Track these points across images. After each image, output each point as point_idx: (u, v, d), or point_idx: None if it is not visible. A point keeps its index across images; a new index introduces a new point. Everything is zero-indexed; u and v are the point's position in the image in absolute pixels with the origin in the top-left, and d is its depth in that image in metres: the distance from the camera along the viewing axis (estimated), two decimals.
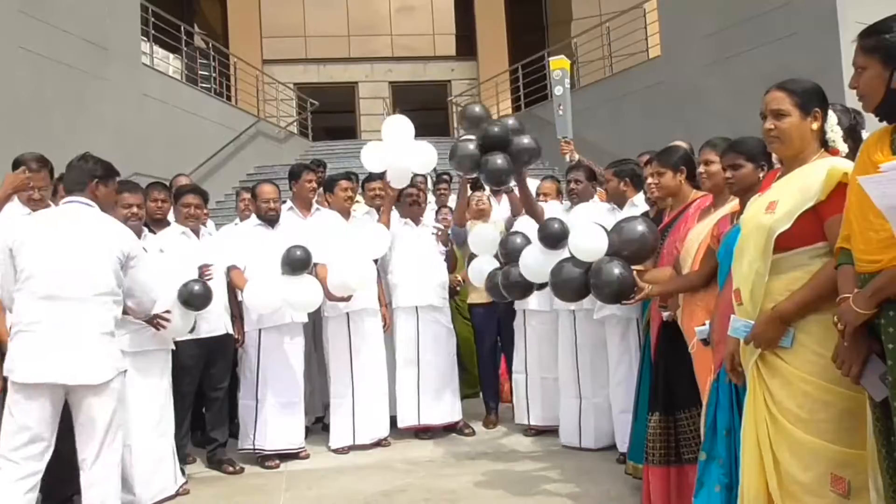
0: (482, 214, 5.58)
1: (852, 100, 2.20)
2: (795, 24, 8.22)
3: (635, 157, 4.75)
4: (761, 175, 2.75)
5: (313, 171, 5.44)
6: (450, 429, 5.25)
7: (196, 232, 4.56)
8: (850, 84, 2.08)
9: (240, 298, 4.67)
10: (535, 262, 3.90)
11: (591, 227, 3.55)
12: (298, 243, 4.49)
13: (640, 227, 3.37)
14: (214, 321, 4.46)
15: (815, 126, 2.33)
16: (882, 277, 1.90)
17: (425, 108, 18.30)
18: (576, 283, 3.44)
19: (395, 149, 4.72)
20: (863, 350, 1.98)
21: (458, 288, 5.68)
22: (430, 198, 5.71)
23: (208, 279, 4.21)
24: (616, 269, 3.26)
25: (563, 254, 3.62)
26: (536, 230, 4.06)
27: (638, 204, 4.36)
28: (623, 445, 4.28)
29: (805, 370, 2.18)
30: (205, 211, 4.79)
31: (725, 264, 2.69)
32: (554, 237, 3.85)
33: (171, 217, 4.65)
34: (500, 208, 5.95)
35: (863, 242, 1.96)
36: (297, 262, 4.42)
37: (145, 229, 4.23)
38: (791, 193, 2.25)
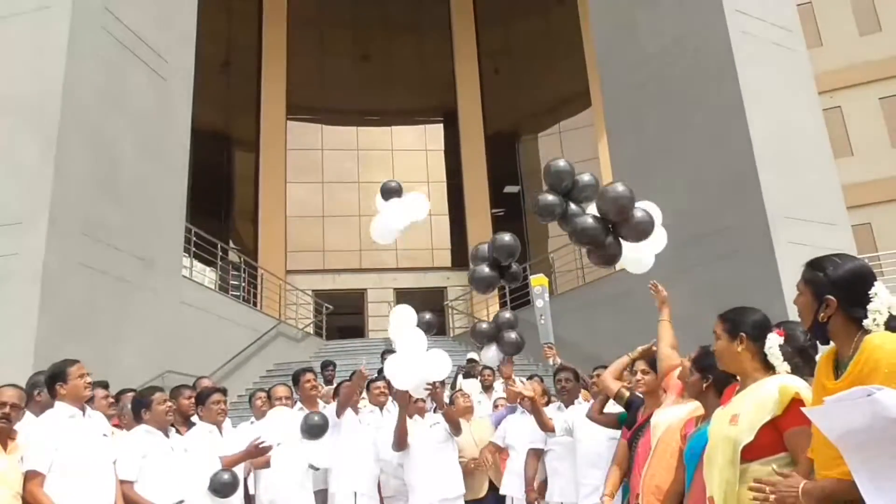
0: (468, 412, 5.46)
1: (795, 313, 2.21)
2: (736, 243, 8.61)
3: (607, 356, 4.69)
4: (704, 385, 2.75)
5: (311, 371, 5.50)
6: None
7: (219, 428, 4.43)
8: (794, 301, 2.12)
9: (252, 491, 4.46)
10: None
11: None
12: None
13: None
14: None
15: (740, 348, 2.34)
16: (830, 483, 1.83)
17: (425, 310, 18.58)
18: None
19: (416, 366, 4.58)
20: None
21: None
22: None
23: (267, 454, 4.29)
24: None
25: None
26: None
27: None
28: None
29: None
30: None
31: (690, 466, 2.60)
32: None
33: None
34: (487, 405, 5.83)
35: (820, 455, 1.91)
36: (314, 429, 4.47)
37: (172, 429, 4.09)
38: (748, 408, 2.22)
